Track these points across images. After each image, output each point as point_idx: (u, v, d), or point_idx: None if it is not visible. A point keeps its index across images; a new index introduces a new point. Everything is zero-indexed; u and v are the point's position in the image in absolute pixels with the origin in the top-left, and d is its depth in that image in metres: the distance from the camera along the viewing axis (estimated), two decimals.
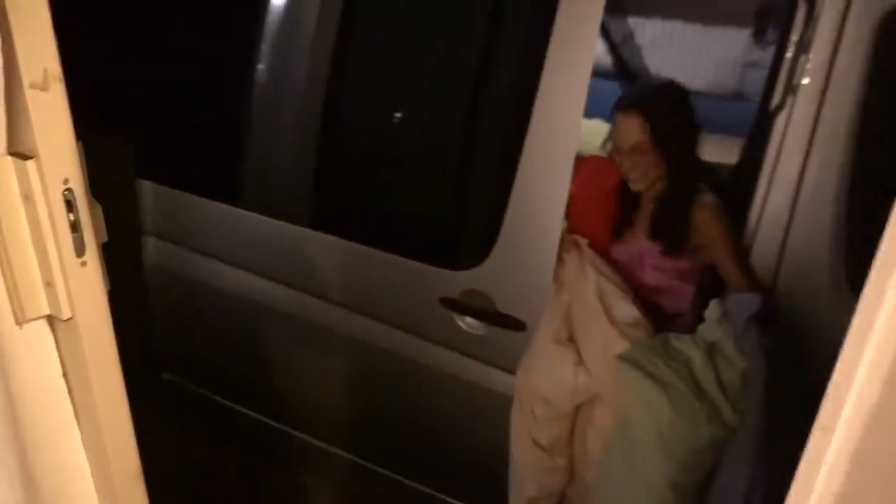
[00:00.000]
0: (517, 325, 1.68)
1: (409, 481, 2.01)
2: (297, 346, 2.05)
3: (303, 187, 1.91)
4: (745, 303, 1.49)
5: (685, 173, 1.70)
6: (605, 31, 2.34)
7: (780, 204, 1.50)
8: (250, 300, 2.04)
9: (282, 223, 1.92)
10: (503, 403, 1.73)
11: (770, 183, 1.51)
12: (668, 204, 1.71)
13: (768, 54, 2.81)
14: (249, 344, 2.12)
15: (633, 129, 1.66)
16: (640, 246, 1.75)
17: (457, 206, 1.80)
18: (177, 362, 2.28)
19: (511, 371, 1.70)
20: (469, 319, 1.75)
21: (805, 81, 1.43)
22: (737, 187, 1.82)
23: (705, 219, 1.64)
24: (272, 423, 2.19)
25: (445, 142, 1.78)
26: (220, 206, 2.00)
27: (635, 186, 1.73)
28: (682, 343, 1.51)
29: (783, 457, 1.43)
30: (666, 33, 2.83)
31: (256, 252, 1.99)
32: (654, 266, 1.73)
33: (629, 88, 1.80)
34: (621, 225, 1.82)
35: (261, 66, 1.93)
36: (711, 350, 1.48)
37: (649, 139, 1.64)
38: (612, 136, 1.74)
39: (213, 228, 2.03)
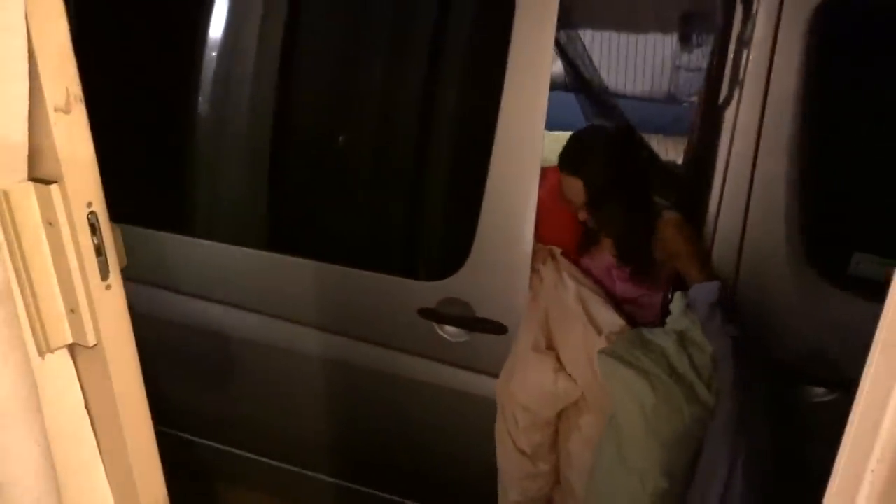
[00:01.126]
0: (498, 329, 1.72)
1: (403, 499, 2.01)
2: (275, 374, 2.02)
3: (270, 212, 1.90)
4: (706, 291, 1.58)
5: (639, 208, 1.76)
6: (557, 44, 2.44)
7: (737, 191, 1.59)
8: (223, 333, 2.00)
9: (251, 250, 1.89)
10: (490, 408, 1.76)
11: (725, 172, 1.60)
12: (628, 237, 1.77)
13: (694, 57, 3.00)
14: (225, 379, 2.07)
15: (577, 190, 1.73)
16: (608, 261, 1.81)
17: (428, 218, 1.82)
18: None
19: (496, 375, 1.73)
20: (449, 328, 1.77)
21: (749, 75, 1.53)
22: (690, 183, 1.92)
23: (669, 234, 1.70)
24: (258, 457, 2.15)
25: (412, 158, 1.81)
26: (185, 240, 1.96)
27: (593, 228, 1.81)
28: (654, 335, 1.59)
29: (756, 426, 1.52)
30: (600, 43, 2.97)
31: (225, 282, 1.96)
32: (623, 279, 1.79)
33: (572, 142, 1.78)
34: (588, 241, 1.86)
35: (208, 96, 1.91)
36: (682, 338, 1.56)
37: (592, 198, 1.72)
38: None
39: (181, 263, 1.99)
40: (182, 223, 1.97)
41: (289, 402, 2.05)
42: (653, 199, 1.80)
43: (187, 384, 2.13)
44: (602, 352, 1.56)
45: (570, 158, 1.76)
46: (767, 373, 1.57)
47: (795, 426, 1.61)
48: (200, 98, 1.90)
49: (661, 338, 1.57)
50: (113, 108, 1.90)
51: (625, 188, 1.73)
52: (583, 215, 1.77)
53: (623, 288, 1.78)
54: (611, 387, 1.55)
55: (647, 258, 1.75)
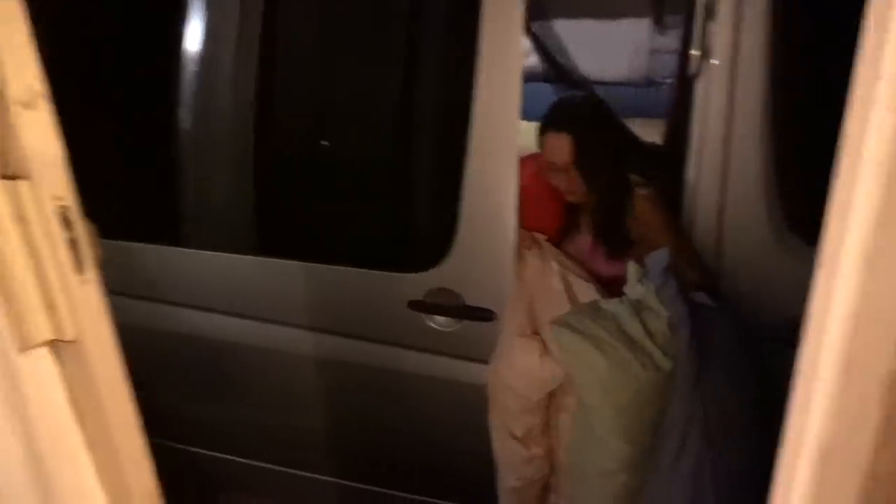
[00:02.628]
0: (487, 316, 1.73)
1: (405, 494, 2.01)
2: (270, 378, 2.02)
3: (255, 216, 1.91)
4: (658, 257, 1.58)
5: (616, 182, 1.78)
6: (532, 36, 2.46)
7: (713, 164, 1.61)
8: (213, 339, 2.01)
9: (238, 256, 1.91)
10: (483, 395, 1.76)
11: (700, 145, 1.62)
12: (605, 214, 1.80)
13: (669, 39, 3.02)
14: (219, 386, 2.08)
15: (563, 150, 1.74)
16: (588, 242, 1.84)
17: (410, 210, 1.84)
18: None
19: (487, 362, 1.74)
20: (439, 318, 1.78)
21: (716, 46, 1.55)
22: (670, 161, 1.93)
23: (644, 211, 1.73)
24: (258, 463, 2.15)
25: (390, 153, 1.83)
26: (171, 250, 1.97)
27: (570, 198, 1.83)
28: (609, 305, 1.59)
29: (719, 387, 1.51)
30: (576, 31, 2.98)
31: (215, 290, 1.97)
32: (604, 257, 1.81)
33: (556, 104, 1.82)
34: (569, 227, 1.89)
35: (186, 105, 1.92)
36: (638, 307, 1.56)
37: (577, 160, 1.74)
38: (542, 151, 1.80)
39: (169, 273, 1.99)
40: (167, 234, 1.99)
41: (285, 405, 2.05)
42: (627, 179, 1.81)
43: (183, 394, 2.13)
44: (553, 321, 1.57)
45: (556, 116, 1.79)
46: (745, 342, 1.57)
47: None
48: (180, 107, 1.91)
49: (615, 306, 1.57)
50: (91, 121, 1.93)
51: (608, 142, 1.78)
52: (570, 176, 1.77)
53: (605, 267, 1.80)
54: (563, 356, 1.56)
55: (623, 234, 1.77)
